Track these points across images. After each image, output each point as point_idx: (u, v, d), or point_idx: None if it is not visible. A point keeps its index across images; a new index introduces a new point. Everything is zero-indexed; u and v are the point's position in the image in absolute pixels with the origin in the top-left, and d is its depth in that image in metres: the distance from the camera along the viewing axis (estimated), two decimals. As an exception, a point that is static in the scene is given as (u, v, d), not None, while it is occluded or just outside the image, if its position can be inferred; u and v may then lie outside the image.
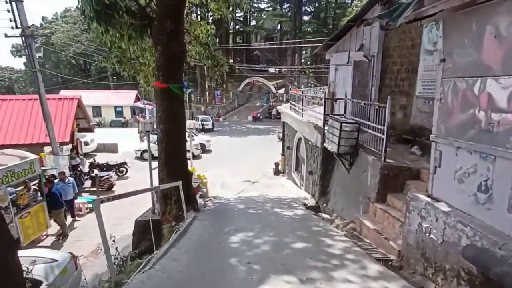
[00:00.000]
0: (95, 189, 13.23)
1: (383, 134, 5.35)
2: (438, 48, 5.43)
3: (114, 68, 8.25)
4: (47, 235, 9.46)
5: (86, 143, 19.76)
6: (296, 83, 44.54)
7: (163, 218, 5.70)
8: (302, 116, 10.10)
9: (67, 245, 9.26)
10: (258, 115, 40.18)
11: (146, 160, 19.84)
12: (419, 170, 5.22)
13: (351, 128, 6.25)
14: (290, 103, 12.16)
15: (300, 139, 10.93)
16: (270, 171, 15.77)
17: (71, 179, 10.36)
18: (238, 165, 17.41)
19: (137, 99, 37.33)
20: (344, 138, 6.25)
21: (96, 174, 12.72)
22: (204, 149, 21.71)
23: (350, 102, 7.10)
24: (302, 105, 10.06)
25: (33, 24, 48.71)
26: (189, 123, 11.48)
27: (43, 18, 48.17)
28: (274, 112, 41.59)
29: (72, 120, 12.36)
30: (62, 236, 9.45)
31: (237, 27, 53.20)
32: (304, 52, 55.23)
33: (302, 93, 9.99)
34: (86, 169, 14.78)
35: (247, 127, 35.18)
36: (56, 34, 44.02)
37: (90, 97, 36.09)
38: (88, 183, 13.57)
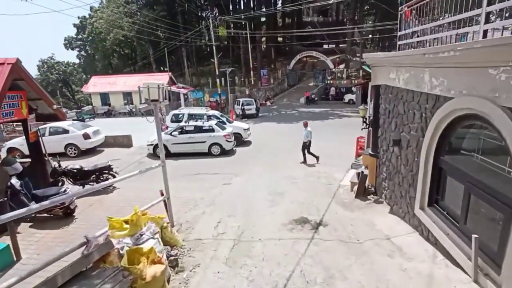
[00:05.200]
0: (45, 215, 7.95)
1: None
2: None
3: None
4: None
5: (87, 136, 14.96)
6: (358, 57, 35.47)
7: None
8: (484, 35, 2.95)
9: None
10: (313, 96, 32.54)
11: (159, 157, 14.26)
12: None
13: None
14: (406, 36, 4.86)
15: (458, 120, 3.76)
16: (345, 183, 8.46)
17: None
18: (284, 169, 10.50)
19: (172, 82, 32.61)
20: None
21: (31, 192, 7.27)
22: (240, 140, 15.74)
23: None
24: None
25: (83, 16, 48.14)
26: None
27: (91, 8, 46.73)
28: (332, 92, 33.67)
29: (-4, 100, 6.95)
30: None
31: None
32: (364, 24, 46.16)
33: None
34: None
35: (299, 111, 27.99)
36: (98, 21, 42.01)
37: (121, 83, 32.48)
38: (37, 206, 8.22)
